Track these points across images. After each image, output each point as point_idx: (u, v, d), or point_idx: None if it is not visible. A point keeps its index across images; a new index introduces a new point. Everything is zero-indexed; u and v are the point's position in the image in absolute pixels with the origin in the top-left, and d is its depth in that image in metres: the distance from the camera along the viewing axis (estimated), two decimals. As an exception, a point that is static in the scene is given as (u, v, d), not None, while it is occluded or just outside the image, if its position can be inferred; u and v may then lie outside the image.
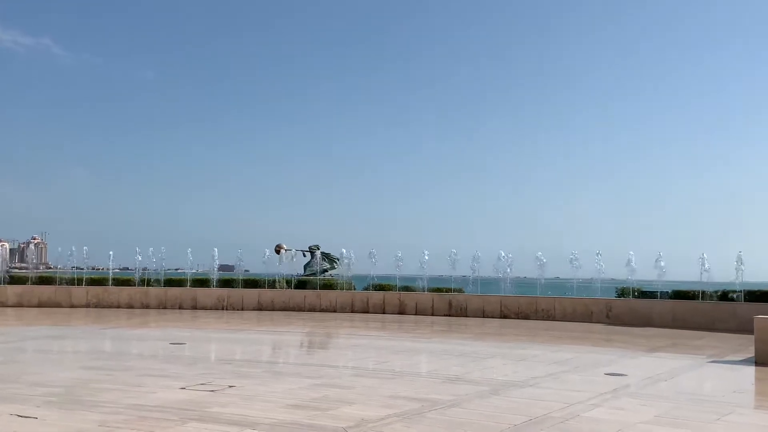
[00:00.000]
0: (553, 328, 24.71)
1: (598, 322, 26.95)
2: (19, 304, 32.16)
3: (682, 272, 30.33)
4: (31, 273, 36.58)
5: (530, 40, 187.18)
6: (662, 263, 27.52)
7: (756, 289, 26.12)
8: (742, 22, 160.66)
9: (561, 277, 33.94)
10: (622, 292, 28.61)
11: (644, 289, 28.39)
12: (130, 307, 32.25)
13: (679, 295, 27.30)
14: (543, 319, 27.94)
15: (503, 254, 30.91)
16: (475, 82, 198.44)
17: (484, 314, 29.10)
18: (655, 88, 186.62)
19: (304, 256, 37.52)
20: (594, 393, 11.17)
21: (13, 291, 32.89)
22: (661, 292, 27.71)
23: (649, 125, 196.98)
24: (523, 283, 32.37)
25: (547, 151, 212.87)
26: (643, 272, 28.96)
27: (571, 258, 29.59)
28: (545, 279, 30.48)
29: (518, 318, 28.35)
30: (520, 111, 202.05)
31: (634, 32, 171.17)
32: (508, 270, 30.56)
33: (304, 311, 31.16)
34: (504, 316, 28.66)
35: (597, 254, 29.47)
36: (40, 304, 32.21)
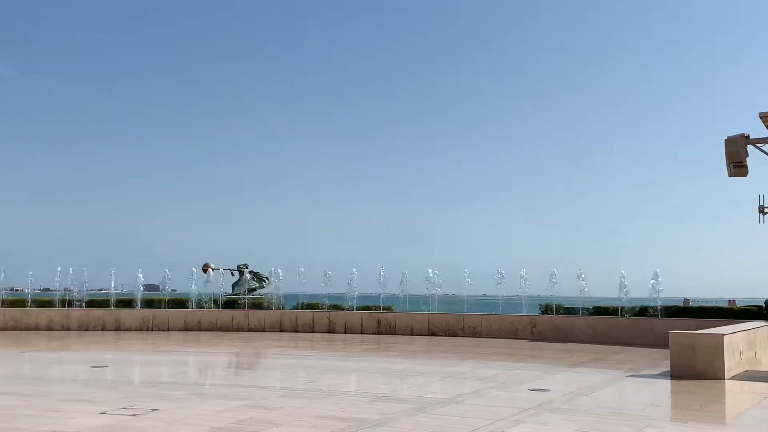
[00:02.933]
0: (480, 345, 25.10)
1: (524, 338, 27.56)
2: (-73, 328, 30.58)
3: (602, 289, 31.42)
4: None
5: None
6: (583, 280, 28.43)
7: (671, 305, 27.24)
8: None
9: (488, 294, 34.58)
10: (546, 309, 29.38)
11: (566, 306, 29.24)
12: (50, 329, 31.11)
13: (600, 311, 28.25)
14: (470, 336, 28.38)
15: (431, 272, 31.33)
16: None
17: (412, 332, 29.35)
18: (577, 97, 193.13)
19: (233, 275, 37.06)
20: (518, 409, 11.41)
21: None
22: (582, 309, 28.61)
23: (558, 144, 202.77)
24: (450, 301, 32.82)
25: (469, 167, 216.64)
26: (566, 289, 29.84)
27: (497, 275, 30.19)
28: (472, 296, 31.02)
29: (446, 335, 28.70)
30: (438, 127, 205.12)
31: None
32: (438, 286, 30.96)
33: (231, 331, 30.73)
34: (432, 334, 28.97)
35: (521, 271, 30.18)
36: (-48, 328, 30.72)
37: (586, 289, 28.41)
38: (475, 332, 28.54)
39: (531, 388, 14.07)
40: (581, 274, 28.57)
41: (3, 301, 32.99)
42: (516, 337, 27.68)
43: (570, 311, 28.91)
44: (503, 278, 30.00)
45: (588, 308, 28.63)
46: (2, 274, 33.82)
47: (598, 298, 30.64)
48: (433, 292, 30.91)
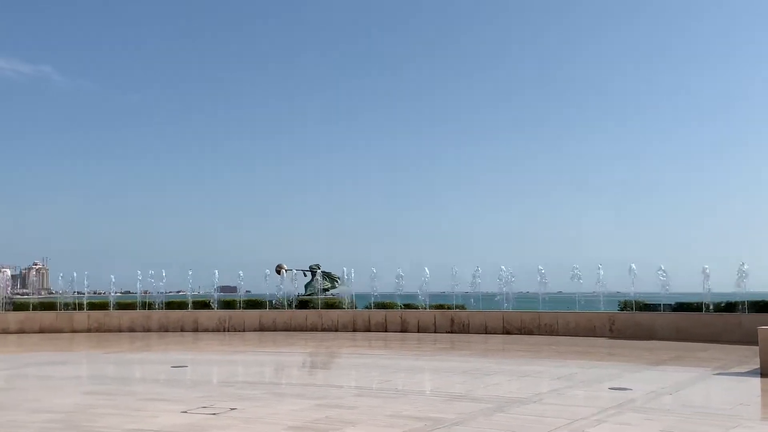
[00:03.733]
0: (557, 343, 24.56)
1: (602, 336, 26.80)
2: (21, 331, 32.06)
3: (685, 283, 30.24)
4: (33, 299, 36.53)
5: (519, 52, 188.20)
6: (664, 275, 27.44)
7: (760, 299, 25.97)
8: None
9: (563, 291, 33.79)
10: (625, 306, 28.49)
11: (647, 302, 28.26)
12: (132, 330, 32.14)
13: (683, 307, 27.19)
14: (546, 334, 27.79)
15: (504, 269, 30.82)
16: (474, 95, 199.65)
17: (486, 330, 28.96)
18: (664, 93, 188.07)
19: (305, 275, 37.44)
20: (598, 408, 11.06)
21: (15, 318, 32.81)
22: (664, 305, 27.60)
23: (648, 134, 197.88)
24: (525, 298, 32.20)
25: (544, 164, 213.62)
26: (646, 284, 28.86)
27: (573, 271, 29.45)
28: (548, 294, 30.34)
29: (521, 333, 28.20)
30: (518, 129, 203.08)
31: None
32: (512, 283, 30.41)
33: (305, 331, 31.03)
34: (507, 332, 28.51)
35: (599, 267, 29.33)
36: (42, 330, 32.10)
37: (667, 286, 27.40)
38: (551, 330, 27.94)
39: (611, 387, 13.63)
40: (662, 268, 27.62)
41: (87, 305, 34.25)
42: (594, 335, 26.95)
43: (650, 307, 27.92)
44: (579, 274, 29.25)
45: (670, 304, 27.60)
46: (86, 279, 35.22)
47: (680, 293, 29.52)
48: (507, 289, 30.38)
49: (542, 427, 9.50)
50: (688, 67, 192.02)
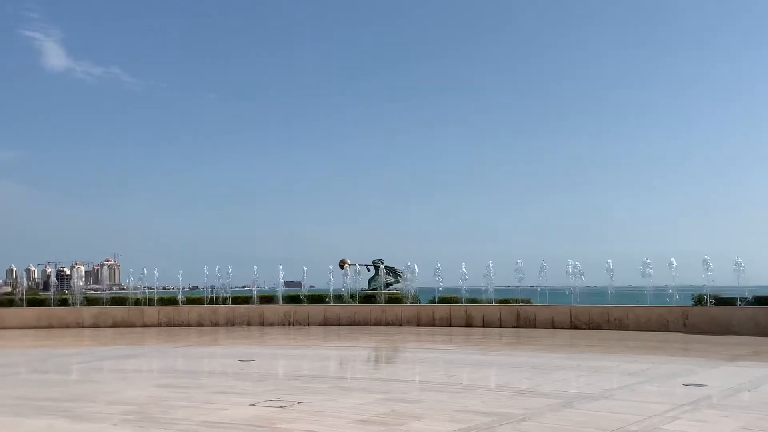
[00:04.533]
0: (627, 338, 23.98)
1: (675, 331, 26.02)
2: (95, 325, 33.18)
3: (764, 276, 29.05)
4: (106, 294, 37.77)
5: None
6: (742, 267, 26.42)
7: None
8: None
9: (633, 285, 32.92)
10: (699, 300, 27.57)
11: (722, 296, 27.27)
12: (200, 325, 32.88)
13: (761, 300, 26.11)
14: (616, 329, 27.13)
15: (571, 263, 30.20)
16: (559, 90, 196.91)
17: (553, 325, 28.48)
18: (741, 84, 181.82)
19: (368, 270, 37.58)
20: (672, 405, 10.72)
21: (88, 312, 33.97)
22: (741, 298, 26.57)
23: (724, 123, 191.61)
24: (593, 293, 31.51)
25: (614, 154, 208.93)
26: (722, 277, 27.83)
27: (644, 264, 28.64)
28: (617, 287, 29.60)
29: (589, 328, 27.62)
30: (585, 118, 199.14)
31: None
32: (580, 277, 29.76)
33: (369, 326, 31.14)
34: (574, 327, 27.98)
35: (671, 260, 28.48)
36: (115, 325, 33.15)
37: (744, 279, 26.36)
38: (621, 325, 27.25)
39: (686, 383, 13.21)
40: (738, 261, 26.60)
41: (157, 300, 35.21)
42: (666, 330, 26.19)
43: (726, 301, 26.94)
44: (650, 268, 28.42)
45: (746, 298, 26.56)
46: (156, 274, 36.22)
47: (759, 286, 28.36)
48: (575, 283, 29.76)
49: (613, 424, 9.25)
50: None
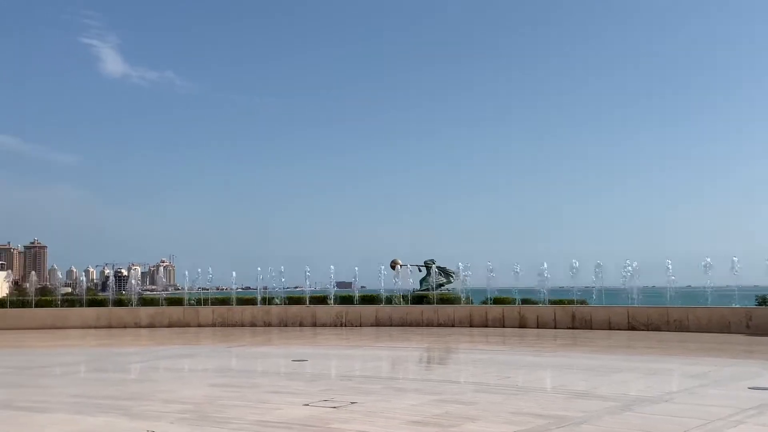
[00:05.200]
0: (687, 340, 23.33)
1: (737, 332, 25.18)
2: (151, 325, 33.88)
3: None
4: (161, 295, 38.51)
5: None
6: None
7: None
8: None
9: (693, 285, 31.99)
10: (763, 300, 26.63)
11: None
12: (253, 325, 33.25)
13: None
14: (675, 330, 26.40)
15: (628, 263, 29.50)
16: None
17: (610, 326, 27.85)
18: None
19: (420, 271, 37.42)
20: (736, 409, 10.34)
21: (145, 312, 34.71)
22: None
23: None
24: (651, 293, 30.72)
25: (675, 153, 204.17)
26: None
27: (705, 264, 27.79)
28: (676, 288, 28.77)
29: (648, 330, 26.95)
30: (656, 117, 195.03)
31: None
32: (637, 277, 29.05)
33: (421, 326, 31.00)
34: (632, 328, 27.32)
35: (733, 260, 27.58)
36: (171, 324, 33.78)
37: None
38: (681, 326, 26.48)
39: (751, 386, 12.74)
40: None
41: (211, 300, 35.74)
42: (729, 331, 25.35)
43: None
44: (711, 267, 27.56)
45: None
46: (210, 275, 36.77)
47: None
48: (632, 284, 29.05)
49: (674, 428, 8.98)
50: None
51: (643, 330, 26.99)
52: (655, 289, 31.30)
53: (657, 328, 26.82)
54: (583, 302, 30.04)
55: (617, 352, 20.75)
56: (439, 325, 31.09)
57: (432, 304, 32.67)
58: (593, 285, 30.22)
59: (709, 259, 27.91)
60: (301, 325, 32.88)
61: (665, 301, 28.27)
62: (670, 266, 28.59)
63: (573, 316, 28.91)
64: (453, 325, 30.83)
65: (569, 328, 28.52)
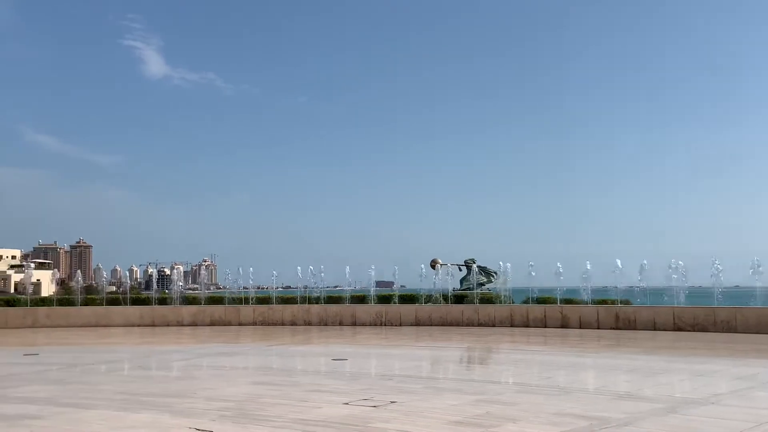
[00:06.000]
0: (735, 341, 22.77)
1: (787, 333, 24.49)
2: (193, 323, 34.33)
3: None
4: (203, 293, 39.00)
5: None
6: None
7: None
8: None
9: (741, 285, 31.23)
10: (814, 300, 25.88)
11: None
12: (294, 324, 33.46)
13: None
14: (723, 331, 25.80)
15: (673, 262, 28.90)
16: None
17: (654, 327, 27.35)
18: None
19: (460, 270, 37.26)
20: (786, 412, 10.04)
21: (188, 311, 35.19)
22: None
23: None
24: (697, 293, 30.05)
25: (723, 149, 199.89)
26: None
27: (754, 263, 27.08)
28: (723, 288, 28.08)
29: (694, 330, 26.39)
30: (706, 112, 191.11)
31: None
32: (683, 277, 28.43)
33: (461, 326, 30.84)
34: (678, 329, 26.78)
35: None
36: (212, 323, 34.19)
37: None
38: (728, 327, 25.87)
39: (802, 389, 12.36)
40: None
41: (252, 299, 36.06)
42: (777, 333, 24.68)
43: None
44: (760, 267, 26.84)
45: None
46: (252, 274, 37.12)
47: None
48: (679, 283, 28.43)
49: (721, 431, 8.74)
50: None
51: (689, 331, 26.43)
52: (701, 289, 30.63)
53: (704, 329, 26.24)
54: (626, 302, 29.55)
55: (662, 353, 20.34)
56: (480, 324, 30.88)
57: (472, 304, 32.48)
58: (637, 285, 29.69)
59: (757, 259, 27.23)
60: (340, 324, 32.99)
61: (712, 302, 27.65)
62: (718, 265, 27.94)
63: (617, 317, 28.45)
64: (494, 325, 30.60)
65: (613, 328, 28.07)
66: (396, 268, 35.85)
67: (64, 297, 40.26)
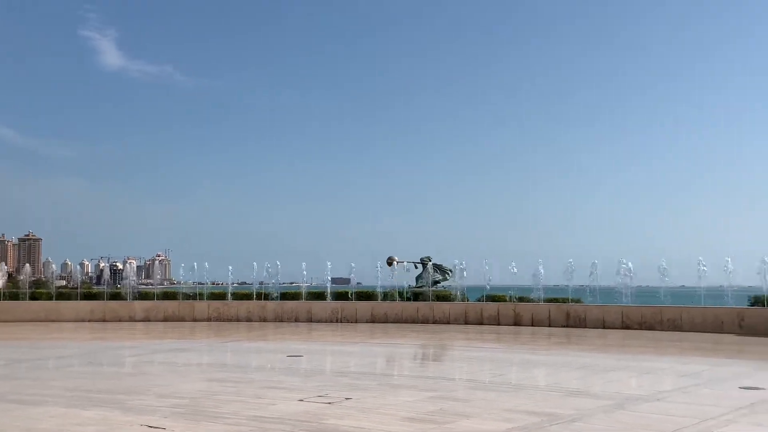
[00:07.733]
0: (681, 340, 23.43)
1: (730, 332, 25.30)
2: (146, 319, 33.82)
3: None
4: (157, 289, 38.45)
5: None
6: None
7: None
8: None
9: (686, 285, 32.14)
10: (755, 301, 26.75)
11: None
12: (249, 320, 33.22)
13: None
14: (669, 329, 26.52)
15: (623, 262, 29.59)
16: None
17: (604, 325, 27.96)
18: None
19: (416, 267, 37.43)
20: (729, 408, 10.41)
21: (141, 306, 34.66)
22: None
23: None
24: (644, 293, 30.82)
25: (668, 155, 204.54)
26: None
27: (698, 265, 27.90)
28: (669, 288, 28.88)
29: (641, 329, 27.06)
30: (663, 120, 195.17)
31: None
32: (631, 277, 29.12)
33: (417, 323, 31.05)
34: (626, 327, 27.43)
35: (726, 261, 27.67)
36: (166, 319, 33.73)
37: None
38: (674, 326, 26.60)
39: (742, 386, 12.82)
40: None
41: (207, 295, 35.70)
42: (721, 331, 25.48)
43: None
44: (705, 268, 27.68)
45: None
46: (206, 270, 36.73)
47: None
48: (626, 283, 29.12)
49: (667, 426, 9.02)
50: None
51: (636, 329, 27.10)
52: (649, 289, 31.41)
53: (651, 327, 26.94)
54: (577, 301, 30.13)
55: (611, 351, 20.83)
56: (435, 321, 31.14)
57: (428, 301, 32.72)
58: (588, 284, 30.32)
59: (702, 260, 28.06)
60: (296, 320, 32.88)
61: (659, 301, 28.40)
62: (664, 266, 28.73)
63: (567, 315, 29.00)
64: (448, 322, 30.89)
65: (564, 326, 28.62)
66: (353, 265, 35.93)
67: (12, 291, 39.23)
